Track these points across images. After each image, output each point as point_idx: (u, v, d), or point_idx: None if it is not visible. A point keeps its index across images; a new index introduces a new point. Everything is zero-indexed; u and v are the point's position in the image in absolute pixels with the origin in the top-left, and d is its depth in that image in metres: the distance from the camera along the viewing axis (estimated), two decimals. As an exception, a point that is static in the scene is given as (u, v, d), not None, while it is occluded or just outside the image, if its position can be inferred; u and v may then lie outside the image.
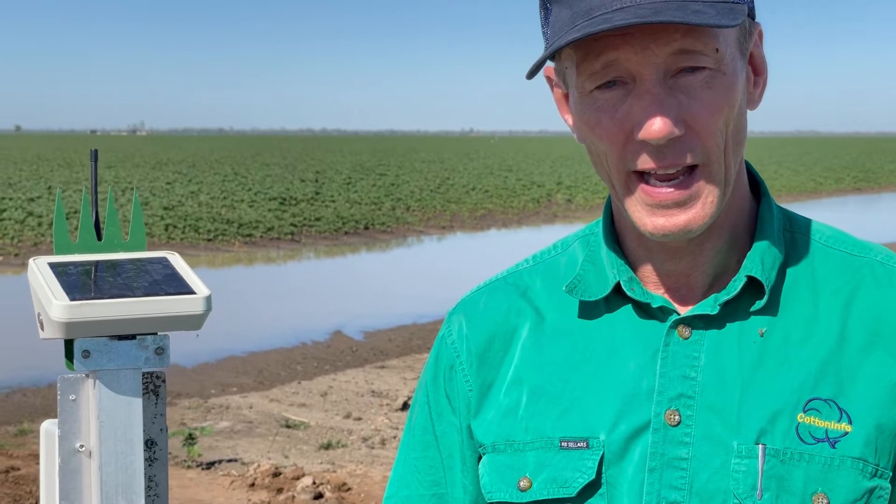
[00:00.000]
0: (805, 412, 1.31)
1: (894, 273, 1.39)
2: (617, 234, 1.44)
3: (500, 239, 27.23)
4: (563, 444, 1.37)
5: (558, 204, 36.38)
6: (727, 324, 1.35)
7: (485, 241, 27.08)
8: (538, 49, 1.37)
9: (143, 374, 1.40)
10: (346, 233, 26.78)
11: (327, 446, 8.90)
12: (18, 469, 7.73)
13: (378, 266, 22.78)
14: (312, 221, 27.75)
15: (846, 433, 1.31)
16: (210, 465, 8.23)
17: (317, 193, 36.83)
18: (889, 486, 1.32)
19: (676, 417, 1.33)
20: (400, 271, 21.36)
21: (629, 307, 1.40)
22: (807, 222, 1.45)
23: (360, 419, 9.79)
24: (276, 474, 7.65)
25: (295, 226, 26.80)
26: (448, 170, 56.71)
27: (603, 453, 1.35)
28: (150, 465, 1.42)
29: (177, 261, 1.46)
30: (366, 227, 27.80)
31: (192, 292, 1.39)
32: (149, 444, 1.42)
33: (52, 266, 1.41)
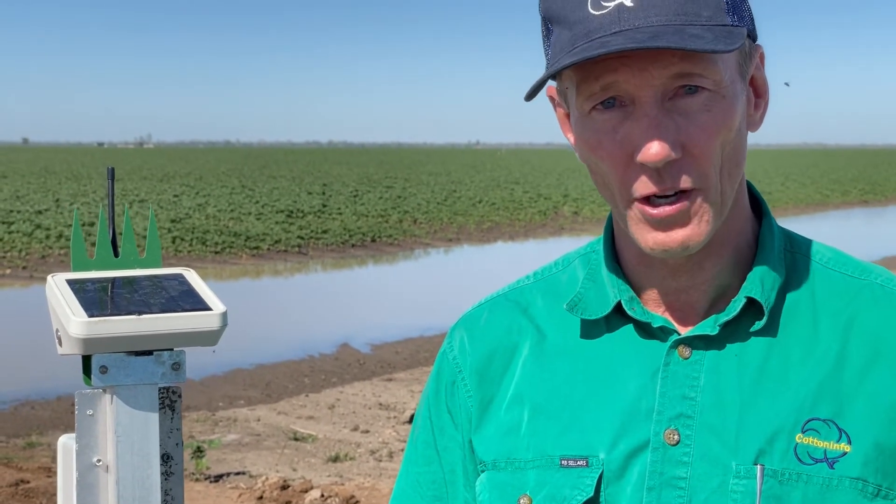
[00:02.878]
0: (804, 432, 1.32)
1: (893, 294, 1.39)
2: (617, 252, 1.45)
3: (507, 251, 27.25)
4: (563, 462, 1.38)
5: (565, 216, 36.39)
6: (727, 344, 1.36)
7: (491, 253, 27.10)
8: (543, 62, 1.38)
9: (160, 389, 1.42)
10: (353, 245, 26.81)
11: (335, 459, 8.91)
12: (28, 482, 7.74)
13: (385, 278, 22.80)
14: (319, 234, 27.78)
15: (845, 453, 1.31)
16: (218, 477, 8.24)
17: (324, 206, 36.88)
18: None
19: (675, 437, 1.34)
20: (407, 284, 21.37)
21: (630, 326, 1.40)
22: (807, 243, 1.46)
23: (367, 432, 9.80)
24: (285, 487, 7.66)
25: (302, 238, 26.83)
26: (455, 182, 56.75)
27: (602, 472, 1.36)
28: (166, 480, 1.44)
29: (192, 277, 1.48)
30: (373, 240, 27.82)
31: (208, 308, 1.41)
32: (165, 458, 1.44)
33: (70, 283, 1.42)
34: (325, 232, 28.28)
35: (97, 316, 1.36)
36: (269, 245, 25.46)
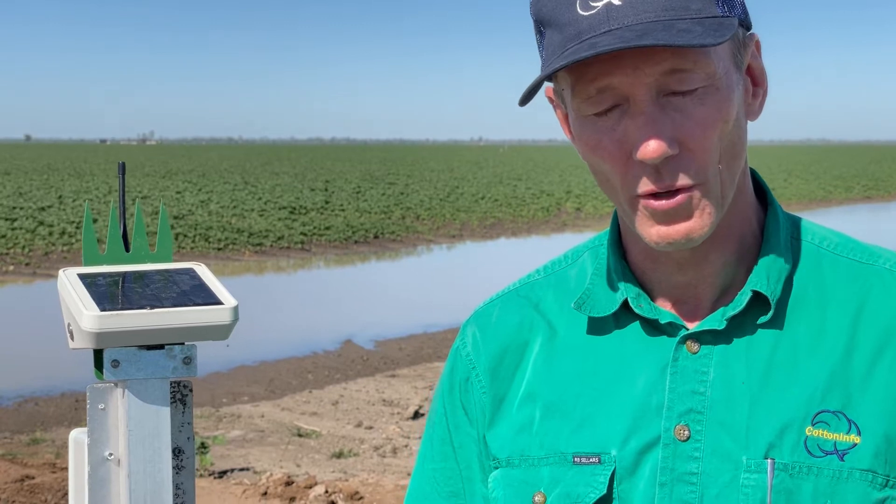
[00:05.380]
0: (814, 425, 1.32)
1: None
2: (624, 247, 1.45)
3: (510, 248, 27.25)
4: (575, 459, 1.39)
5: (567, 213, 36.39)
6: (735, 338, 1.36)
7: (494, 250, 27.10)
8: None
9: (171, 384, 1.42)
10: (355, 242, 26.82)
11: (339, 455, 8.92)
12: (33, 478, 7.75)
13: (388, 275, 22.80)
14: (322, 230, 27.79)
15: (855, 445, 1.31)
16: (222, 473, 8.26)
17: (326, 202, 36.89)
18: None
19: (686, 432, 1.34)
20: (410, 280, 21.37)
21: (638, 323, 1.41)
22: (813, 229, 1.45)
23: (371, 428, 9.81)
24: (289, 483, 7.67)
25: (305, 235, 26.84)
26: (457, 179, 56.74)
27: (614, 468, 1.36)
28: (177, 473, 1.44)
29: (203, 272, 1.48)
30: (375, 236, 27.83)
31: (219, 303, 1.41)
32: (176, 452, 1.44)
33: (82, 277, 1.43)
34: (327, 228, 28.29)
35: (109, 310, 1.36)
36: (272, 242, 25.47)
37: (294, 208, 33.95)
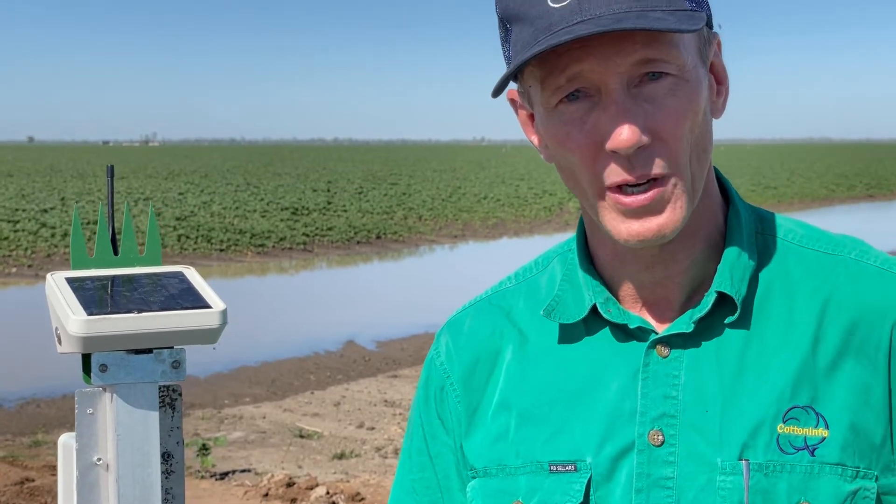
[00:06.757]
0: (785, 422, 1.32)
1: (867, 269, 1.38)
2: (591, 250, 1.44)
3: (512, 248, 27.23)
4: (552, 467, 1.38)
5: (570, 213, 36.38)
6: (704, 340, 1.36)
7: (497, 249, 27.09)
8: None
9: (160, 388, 1.41)
10: (358, 242, 26.82)
11: (340, 456, 8.92)
12: (33, 480, 7.75)
13: (390, 275, 22.80)
14: (324, 231, 27.80)
15: (823, 438, 1.31)
16: (224, 475, 8.25)
17: (329, 203, 36.90)
18: (875, 484, 1.31)
19: (660, 437, 1.34)
20: (412, 280, 21.37)
21: (608, 328, 1.40)
22: (778, 222, 1.45)
23: (373, 429, 9.81)
24: (290, 484, 7.66)
25: (307, 235, 26.85)
26: (460, 179, 56.75)
27: (590, 475, 1.36)
28: (166, 478, 1.43)
29: (192, 275, 1.47)
30: (378, 237, 27.83)
31: (207, 306, 1.40)
32: (165, 456, 1.43)
33: (70, 281, 1.42)
34: (330, 229, 28.30)
35: (96, 314, 1.35)
36: (274, 242, 25.47)
37: (296, 209, 33.96)
